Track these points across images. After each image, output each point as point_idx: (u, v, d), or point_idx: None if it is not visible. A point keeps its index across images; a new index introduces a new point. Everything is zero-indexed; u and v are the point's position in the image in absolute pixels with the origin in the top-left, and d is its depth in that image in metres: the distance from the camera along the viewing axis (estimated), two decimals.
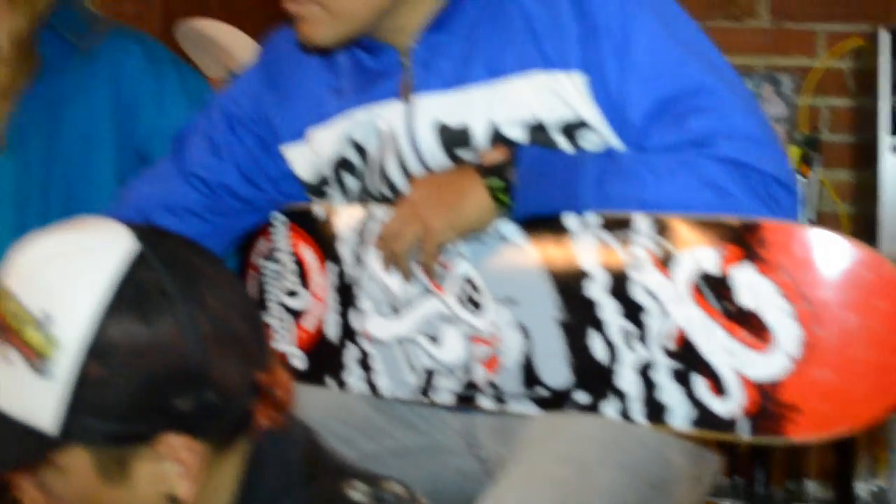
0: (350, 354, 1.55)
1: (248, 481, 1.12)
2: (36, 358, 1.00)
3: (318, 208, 1.60)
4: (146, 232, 1.07)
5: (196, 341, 1.01)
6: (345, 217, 1.56)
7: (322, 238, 1.58)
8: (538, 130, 1.41)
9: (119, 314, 1.01)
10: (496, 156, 1.39)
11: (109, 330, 1.00)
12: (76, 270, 1.03)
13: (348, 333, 1.55)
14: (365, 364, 1.54)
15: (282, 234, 1.65)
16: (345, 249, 1.55)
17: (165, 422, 1.01)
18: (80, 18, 1.86)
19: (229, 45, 2.62)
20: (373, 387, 1.53)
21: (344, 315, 1.56)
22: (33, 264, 1.04)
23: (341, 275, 1.56)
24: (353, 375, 1.55)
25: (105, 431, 1.01)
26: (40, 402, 1.01)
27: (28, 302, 1.01)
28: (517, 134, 1.42)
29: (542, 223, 1.39)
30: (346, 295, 1.56)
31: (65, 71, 1.82)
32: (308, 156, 1.59)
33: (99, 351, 0.99)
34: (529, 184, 1.37)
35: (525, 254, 1.41)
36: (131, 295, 1.02)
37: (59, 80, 1.81)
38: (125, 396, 1.00)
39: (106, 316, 1.00)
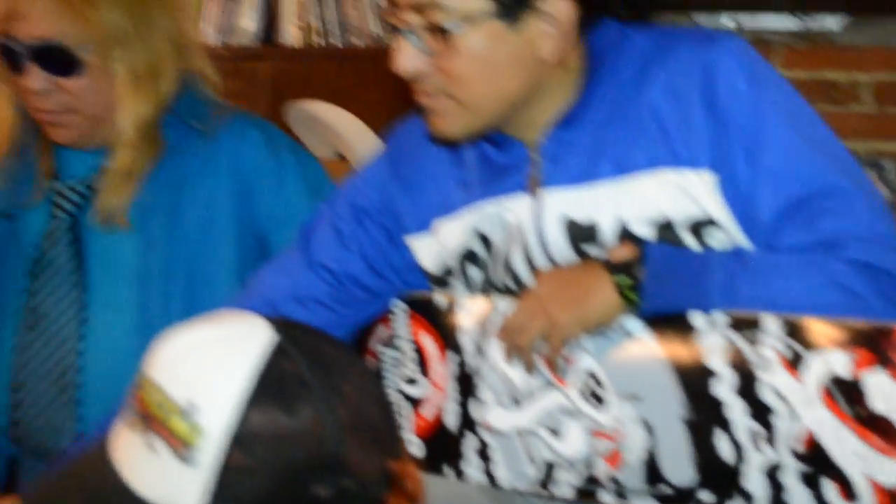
0: (469, 444, 1.53)
1: None
2: (181, 446, 1.02)
3: (439, 297, 1.59)
4: (283, 324, 1.10)
5: (335, 430, 1.03)
6: (467, 307, 1.56)
7: (443, 327, 1.58)
8: (666, 228, 1.42)
9: (261, 403, 1.03)
10: (624, 253, 1.39)
11: (252, 419, 1.02)
12: (219, 361, 1.06)
13: (468, 423, 1.54)
14: (484, 454, 1.52)
15: (402, 322, 1.64)
16: (466, 339, 1.54)
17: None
18: (202, 104, 1.90)
19: (338, 126, 2.66)
20: (491, 477, 1.52)
21: (464, 405, 1.55)
22: (177, 355, 1.07)
23: (462, 364, 1.55)
24: (472, 465, 1.53)
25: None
26: (184, 489, 1.03)
27: (173, 392, 1.03)
28: (645, 231, 1.42)
29: (668, 320, 1.39)
30: (466, 385, 1.55)
31: (187, 154, 1.86)
32: (433, 247, 1.60)
33: (242, 439, 1.01)
34: (657, 281, 1.37)
35: (650, 350, 1.40)
36: (272, 384, 1.04)
37: (181, 162, 1.86)
38: (267, 483, 1.02)
39: (249, 405, 1.02)
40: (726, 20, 3.29)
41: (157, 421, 1.04)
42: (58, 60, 1.74)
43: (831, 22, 3.28)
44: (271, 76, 3.28)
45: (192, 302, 1.84)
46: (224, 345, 1.08)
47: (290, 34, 3.34)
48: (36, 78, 1.74)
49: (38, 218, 1.89)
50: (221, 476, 1.02)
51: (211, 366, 1.06)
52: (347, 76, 3.22)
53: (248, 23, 3.41)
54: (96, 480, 1.10)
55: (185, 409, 1.02)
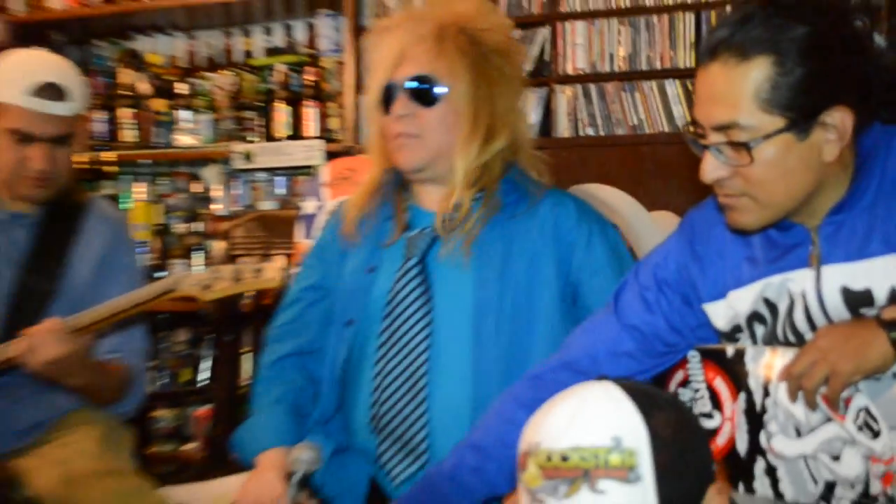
0: (759, 466, 1.55)
1: None
2: (624, 472, 1.11)
3: (729, 349, 1.60)
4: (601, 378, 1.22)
5: (693, 416, 1.22)
6: (754, 357, 1.57)
7: (733, 372, 1.59)
8: None
9: (650, 411, 1.13)
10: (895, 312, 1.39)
11: (654, 424, 1.13)
12: (597, 405, 1.16)
13: (757, 449, 1.55)
14: (772, 474, 1.54)
15: (697, 368, 1.66)
16: (753, 382, 1.56)
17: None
18: (530, 181, 2.02)
19: (613, 201, 2.69)
20: (778, 493, 1.53)
21: (753, 434, 1.56)
22: (569, 422, 1.16)
23: (750, 402, 1.56)
24: (761, 483, 1.55)
25: (683, 500, 1.14)
26: (640, 502, 1.12)
27: (594, 442, 1.12)
28: None
29: None
30: (754, 419, 1.55)
31: (517, 216, 1.97)
32: (725, 311, 1.61)
33: (658, 442, 1.12)
34: None
35: None
36: (643, 396, 1.15)
37: (512, 222, 1.97)
38: (688, 466, 1.15)
39: (645, 416, 1.12)
40: None
41: (596, 469, 1.12)
42: (421, 92, 1.94)
43: None
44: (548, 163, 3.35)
45: (516, 332, 1.94)
46: (585, 398, 1.18)
47: (563, 126, 3.47)
48: (402, 105, 1.93)
49: (393, 261, 2.02)
50: (659, 479, 1.12)
51: (599, 411, 1.15)
52: (612, 160, 3.30)
53: (529, 118, 3.53)
54: None
55: (612, 445, 1.11)
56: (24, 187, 2.35)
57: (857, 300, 1.48)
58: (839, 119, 1.43)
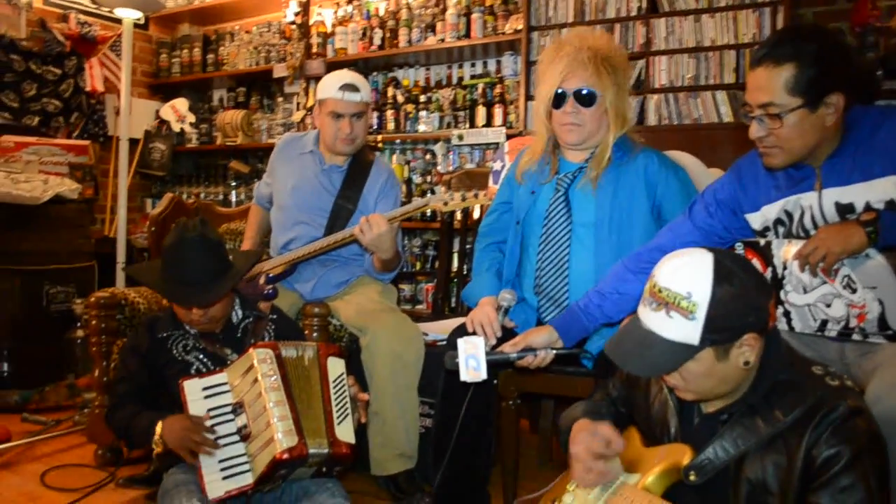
0: (779, 311, 1.54)
1: (765, 359, 1.20)
2: (687, 313, 1.13)
3: (762, 241, 1.58)
4: (710, 249, 1.19)
5: (757, 292, 1.12)
6: (777, 245, 1.55)
7: (765, 255, 1.56)
8: (891, 203, 1.41)
9: (719, 284, 1.12)
10: (868, 216, 1.40)
11: (717, 294, 1.12)
12: (693, 268, 1.15)
13: (778, 301, 1.54)
14: (787, 316, 1.54)
15: (741, 253, 1.60)
16: (777, 261, 1.53)
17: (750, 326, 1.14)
18: (633, 142, 1.94)
19: (686, 163, 2.41)
20: (791, 327, 1.53)
21: (776, 292, 1.52)
22: (672, 273, 1.16)
23: (774, 273, 1.54)
24: (780, 322, 1.54)
25: (720, 338, 1.13)
26: (691, 331, 1.13)
27: (677, 288, 1.14)
28: (879, 205, 1.41)
29: (892, 248, 1.40)
30: (777, 283, 1.54)
31: (622, 164, 1.90)
32: (759, 218, 1.59)
33: (715, 304, 1.11)
34: (887, 229, 1.38)
35: (881, 263, 1.41)
36: (721, 275, 1.13)
37: (619, 168, 1.89)
38: (731, 321, 1.11)
39: (714, 287, 1.12)
40: None
41: (671, 304, 1.14)
42: (584, 98, 1.86)
43: None
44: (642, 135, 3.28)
45: (621, 233, 1.87)
46: (690, 260, 1.17)
47: (653, 119, 3.41)
48: (571, 104, 1.86)
49: (547, 192, 1.97)
50: (707, 322, 1.11)
51: (690, 272, 1.15)
52: (682, 138, 3.20)
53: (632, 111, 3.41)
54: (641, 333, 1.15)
55: (686, 295, 1.13)
56: (339, 146, 2.48)
57: (844, 210, 1.46)
58: (836, 100, 1.42)
